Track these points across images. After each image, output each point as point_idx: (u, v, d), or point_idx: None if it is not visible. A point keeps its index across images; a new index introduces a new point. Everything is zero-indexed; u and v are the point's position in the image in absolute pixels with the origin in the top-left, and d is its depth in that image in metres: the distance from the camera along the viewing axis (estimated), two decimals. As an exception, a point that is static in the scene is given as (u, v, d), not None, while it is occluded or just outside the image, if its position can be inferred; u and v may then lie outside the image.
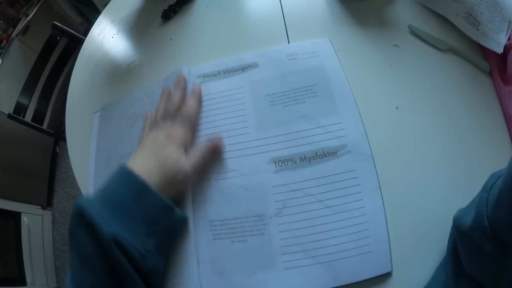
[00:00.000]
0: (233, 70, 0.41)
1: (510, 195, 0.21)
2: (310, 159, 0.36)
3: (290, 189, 0.35)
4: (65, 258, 1.28)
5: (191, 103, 0.38)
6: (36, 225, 1.26)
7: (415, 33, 0.44)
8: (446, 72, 0.42)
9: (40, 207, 1.32)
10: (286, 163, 0.36)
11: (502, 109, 0.40)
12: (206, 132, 0.39)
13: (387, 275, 0.33)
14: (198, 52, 0.46)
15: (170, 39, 0.48)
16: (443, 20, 0.45)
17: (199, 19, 0.51)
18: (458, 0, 0.47)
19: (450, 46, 0.43)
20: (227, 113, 0.39)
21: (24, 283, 1.13)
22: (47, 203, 1.36)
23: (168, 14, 0.52)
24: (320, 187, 0.35)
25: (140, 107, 0.44)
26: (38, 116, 0.96)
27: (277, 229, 0.35)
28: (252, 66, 0.41)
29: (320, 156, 0.36)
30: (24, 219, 1.20)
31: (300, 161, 0.36)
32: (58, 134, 1.01)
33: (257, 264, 0.34)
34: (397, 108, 0.39)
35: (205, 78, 0.41)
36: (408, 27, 0.44)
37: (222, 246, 0.35)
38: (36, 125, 0.94)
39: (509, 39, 0.45)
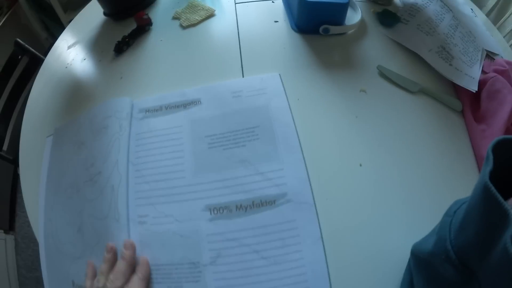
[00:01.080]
0: (175, 106, 0.39)
1: (477, 214, 0.20)
2: (246, 208, 0.34)
3: (225, 238, 0.34)
4: (31, 285, 1.23)
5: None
6: (0, 251, 1.21)
7: (384, 75, 0.42)
8: (416, 115, 0.40)
9: (2, 231, 1.26)
10: (221, 211, 0.34)
11: (473, 150, 0.39)
12: (144, 173, 0.37)
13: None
14: (148, 88, 0.44)
15: (121, 78, 0.46)
16: (414, 57, 0.43)
17: (152, 53, 0.48)
18: (432, 33, 0.45)
19: (421, 87, 0.41)
20: (165, 153, 0.37)
21: None
22: (9, 227, 1.31)
23: (121, 47, 0.49)
24: (257, 237, 0.34)
25: (82, 134, 0.42)
26: None
27: (212, 277, 0.34)
28: (195, 103, 0.39)
29: (258, 205, 0.34)
30: None
31: (236, 210, 0.34)
32: (16, 160, 0.96)
33: None
34: (360, 165, 0.38)
35: (147, 113, 0.39)
36: (377, 67, 0.42)
37: None
38: None
39: (483, 71, 0.44)
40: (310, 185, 0.35)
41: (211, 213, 0.34)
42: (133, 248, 0.35)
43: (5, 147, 0.94)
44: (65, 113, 0.49)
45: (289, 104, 0.38)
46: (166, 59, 0.45)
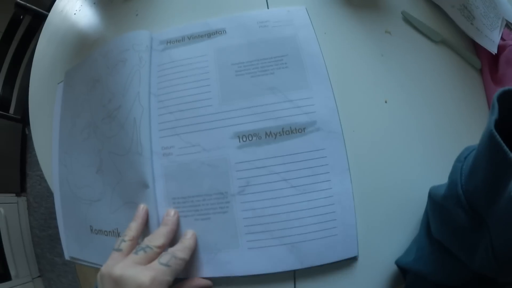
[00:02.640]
0: (199, 36, 0.37)
1: (484, 161, 0.20)
2: (276, 135, 0.33)
3: (254, 166, 0.33)
4: (44, 245, 1.24)
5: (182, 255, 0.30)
6: (12, 214, 1.21)
7: (408, 21, 0.41)
8: (437, 65, 0.40)
9: (14, 194, 1.26)
10: (250, 139, 0.34)
11: (489, 108, 0.39)
12: (167, 104, 0.36)
13: (353, 258, 0.33)
14: (166, 23, 0.42)
15: (137, 15, 0.44)
16: (438, 10, 0.43)
17: None
18: None
19: (443, 38, 0.41)
20: (190, 83, 0.36)
21: (9, 278, 1.09)
22: (21, 189, 1.30)
23: None
24: (286, 165, 0.33)
25: (97, 71, 0.41)
26: (4, 102, 0.90)
27: (240, 207, 0.33)
28: (219, 33, 0.37)
29: (287, 132, 0.33)
30: (1, 210, 1.14)
31: (266, 137, 0.33)
32: (24, 118, 0.95)
33: (220, 243, 0.33)
34: (386, 101, 0.37)
35: (168, 44, 0.38)
36: (401, 13, 0.41)
37: (185, 224, 0.34)
38: (2, 113, 0.89)
39: (502, 38, 0.44)
40: (339, 115, 0.35)
41: (239, 141, 0.34)
42: (177, 216, 0.33)
43: (11, 110, 0.92)
44: (76, 58, 0.47)
45: (316, 36, 0.37)
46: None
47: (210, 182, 0.34)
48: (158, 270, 0.27)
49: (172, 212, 0.33)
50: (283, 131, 0.33)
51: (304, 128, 0.34)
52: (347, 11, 0.41)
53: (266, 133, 0.33)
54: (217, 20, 0.38)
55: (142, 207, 0.33)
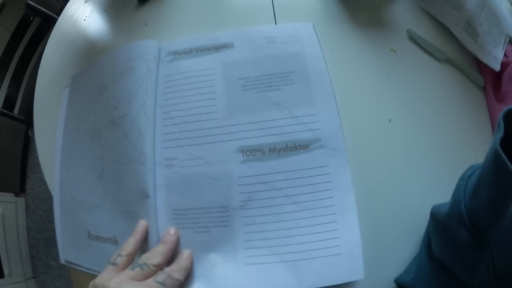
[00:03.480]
0: (206, 49, 0.38)
1: (489, 180, 0.20)
2: (280, 151, 0.33)
3: (257, 181, 0.33)
4: (40, 247, 1.24)
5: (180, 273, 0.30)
6: (10, 214, 1.21)
7: (414, 39, 0.42)
8: (441, 83, 0.41)
9: (13, 194, 1.26)
10: (254, 153, 0.34)
11: (492, 126, 0.40)
12: (173, 115, 0.36)
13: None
14: (175, 34, 0.42)
15: (146, 25, 0.44)
16: (442, 28, 0.43)
17: (178, 0, 0.46)
18: (459, 9, 0.46)
19: (447, 56, 0.42)
20: (196, 95, 0.36)
21: (2, 276, 1.09)
22: (20, 190, 1.31)
23: None
24: (289, 181, 0.33)
25: (103, 77, 0.41)
26: (9, 102, 0.91)
27: (241, 222, 0.33)
28: (227, 46, 0.37)
29: (291, 149, 0.33)
30: None
31: (269, 152, 0.33)
32: (28, 120, 0.96)
33: (218, 257, 0.33)
34: (390, 120, 0.38)
35: (176, 55, 0.38)
36: (406, 31, 0.42)
37: (185, 236, 0.33)
38: (7, 112, 0.90)
39: (505, 55, 0.45)
40: (343, 133, 0.35)
41: (243, 155, 0.34)
42: (176, 236, 0.33)
43: (16, 111, 0.93)
44: (84, 63, 0.47)
45: (323, 53, 0.37)
46: (194, 5, 0.44)
47: (212, 195, 0.34)
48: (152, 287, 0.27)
49: (172, 231, 0.33)
50: (287, 147, 0.33)
51: (308, 145, 0.34)
52: (353, 28, 0.41)
53: (270, 149, 0.33)
54: (225, 34, 0.38)
55: (142, 223, 0.33)
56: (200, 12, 0.43)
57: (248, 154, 0.34)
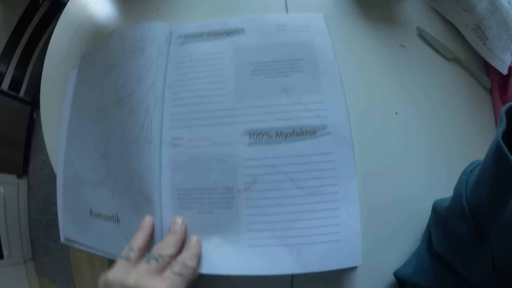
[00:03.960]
0: (218, 33, 0.38)
1: (490, 172, 0.21)
2: (286, 135, 0.34)
3: (262, 164, 0.33)
4: (40, 229, 1.24)
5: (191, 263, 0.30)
6: (12, 195, 1.21)
7: (423, 36, 0.42)
8: (448, 81, 0.41)
9: (15, 175, 1.26)
10: (261, 137, 0.34)
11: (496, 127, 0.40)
12: (182, 96, 0.36)
13: (353, 267, 0.32)
14: (187, 19, 0.42)
15: (157, 9, 0.44)
16: (452, 28, 0.44)
17: None
18: (469, 11, 0.46)
19: (456, 56, 0.42)
20: (206, 77, 0.36)
21: (1, 257, 1.09)
22: (23, 172, 1.30)
23: None
24: (294, 166, 0.33)
25: (113, 56, 0.41)
26: (15, 83, 0.91)
27: (245, 204, 0.33)
28: (238, 32, 0.38)
29: (298, 134, 0.34)
30: (0, 189, 1.15)
31: (276, 136, 0.34)
32: (34, 102, 0.96)
33: (221, 238, 0.33)
34: (396, 113, 0.38)
35: (187, 38, 0.38)
36: (416, 28, 0.43)
37: (188, 216, 0.34)
38: (13, 93, 0.90)
39: None
40: (349, 122, 0.35)
41: (250, 138, 0.34)
42: (184, 225, 0.33)
43: (22, 93, 0.93)
44: (93, 46, 0.47)
45: (332, 44, 0.38)
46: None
47: (217, 176, 0.34)
48: (173, 280, 0.27)
49: (179, 221, 0.33)
50: (293, 132, 0.34)
51: (314, 131, 0.34)
52: (364, 22, 0.42)
53: (277, 133, 0.34)
54: (236, 20, 0.39)
55: (148, 219, 0.33)
56: (213, -2, 0.43)
57: (255, 137, 0.34)
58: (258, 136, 0.34)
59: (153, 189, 0.34)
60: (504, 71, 0.42)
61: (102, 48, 0.43)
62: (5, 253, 1.10)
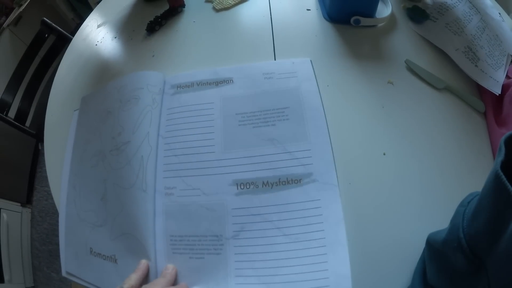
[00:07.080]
0: (207, 83, 0.40)
1: (488, 202, 0.21)
2: (272, 185, 0.35)
3: (250, 213, 0.35)
4: (43, 258, 1.26)
5: None
6: (15, 222, 1.24)
7: (412, 69, 0.42)
8: (440, 112, 0.41)
9: (19, 204, 1.29)
10: (248, 187, 0.35)
11: (493, 152, 0.39)
12: (173, 147, 0.38)
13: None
14: (180, 67, 0.45)
15: (153, 56, 0.47)
16: (441, 55, 0.44)
17: (184, 33, 0.49)
18: (459, 33, 0.45)
19: (447, 84, 0.42)
20: (196, 128, 0.38)
21: (2, 280, 1.10)
22: (27, 201, 1.33)
23: (153, 27, 0.50)
24: (280, 214, 0.34)
25: (110, 103, 0.43)
26: (21, 115, 0.94)
27: (233, 251, 0.34)
28: (227, 82, 0.39)
29: (283, 183, 0.35)
30: (4, 215, 1.17)
31: (262, 186, 0.35)
32: (39, 134, 0.98)
33: (211, 282, 0.34)
34: (384, 154, 0.38)
35: (178, 89, 0.40)
36: (405, 62, 0.42)
37: (180, 261, 0.35)
38: (18, 124, 0.93)
39: (507, 76, 0.44)
40: (335, 168, 0.36)
41: (238, 188, 0.35)
42: (175, 271, 0.35)
43: (28, 123, 0.96)
44: (94, 87, 0.50)
45: (319, 89, 0.38)
46: (199, 39, 0.46)
47: (207, 225, 0.35)
48: None
49: (171, 267, 0.35)
50: (279, 181, 0.35)
51: (300, 179, 0.35)
52: (351, 62, 0.42)
53: (263, 183, 0.35)
54: (225, 69, 0.40)
55: (143, 262, 0.35)
56: (204, 45, 0.45)
57: (242, 187, 0.35)
58: (245, 186, 0.35)
59: (147, 234, 0.36)
60: (498, 92, 0.41)
61: (100, 91, 0.45)
62: (6, 277, 1.10)
